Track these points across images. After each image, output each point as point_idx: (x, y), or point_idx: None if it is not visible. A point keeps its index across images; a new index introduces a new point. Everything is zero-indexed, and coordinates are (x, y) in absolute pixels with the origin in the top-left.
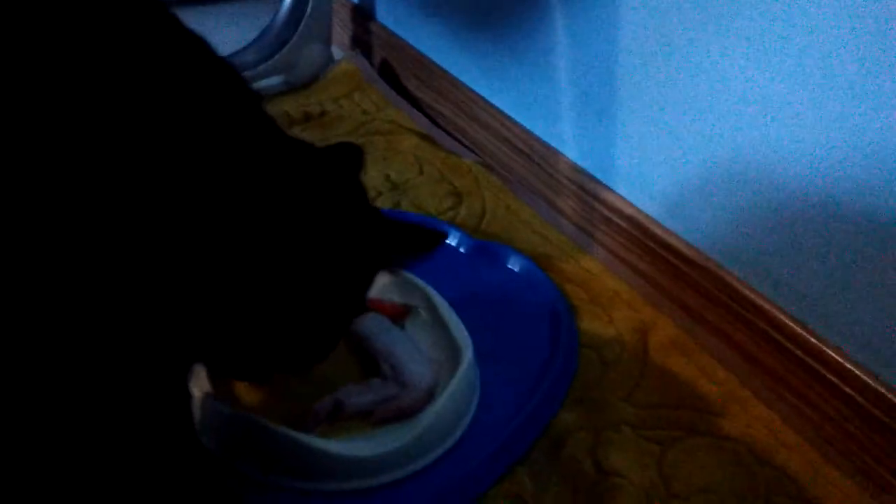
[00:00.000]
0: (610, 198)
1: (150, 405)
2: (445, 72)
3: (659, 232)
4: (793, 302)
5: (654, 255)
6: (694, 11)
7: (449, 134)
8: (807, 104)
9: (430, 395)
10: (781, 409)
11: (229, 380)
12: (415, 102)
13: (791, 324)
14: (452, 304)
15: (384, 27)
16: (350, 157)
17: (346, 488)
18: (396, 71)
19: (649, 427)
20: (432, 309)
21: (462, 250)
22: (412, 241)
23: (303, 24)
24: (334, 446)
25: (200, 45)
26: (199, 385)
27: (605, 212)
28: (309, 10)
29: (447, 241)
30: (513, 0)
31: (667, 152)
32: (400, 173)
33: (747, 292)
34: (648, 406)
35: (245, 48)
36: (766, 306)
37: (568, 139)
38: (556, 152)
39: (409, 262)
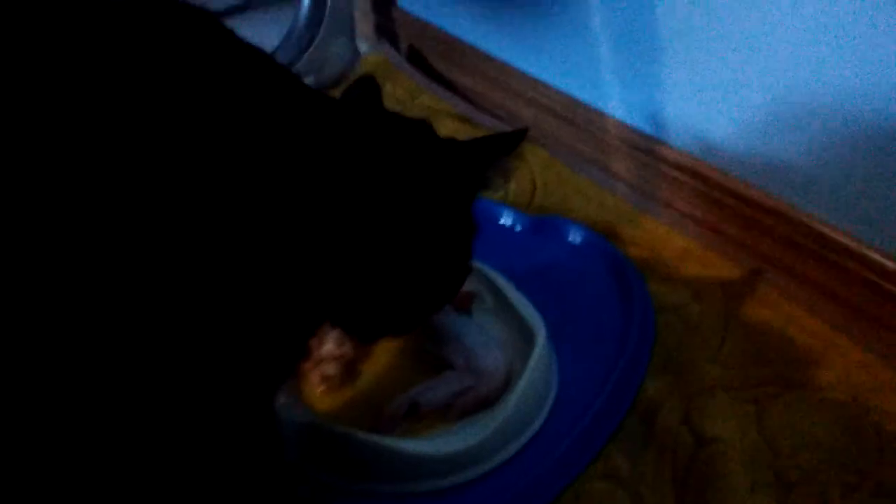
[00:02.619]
0: (665, 152)
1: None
2: (476, 49)
3: (724, 180)
4: (881, 236)
5: (722, 206)
6: None
7: (488, 113)
8: (877, 30)
9: (507, 381)
10: (880, 349)
11: (298, 389)
12: (449, 85)
13: (882, 259)
14: (515, 285)
15: (407, 13)
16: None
17: (436, 487)
18: (425, 55)
19: (742, 387)
20: (497, 292)
21: (518, 229)
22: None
23: (325, 21)
24: (415, 445)
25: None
26: None
27: (664, 168)
28: (329, 6)
29: (501, 222)
30: None
31: (724, 96)
32: None
33: (830, 232)
34: (737, 365)
35: (271, 54)
36: (853, 244)
37: (613, 99)
38: (602, 114)
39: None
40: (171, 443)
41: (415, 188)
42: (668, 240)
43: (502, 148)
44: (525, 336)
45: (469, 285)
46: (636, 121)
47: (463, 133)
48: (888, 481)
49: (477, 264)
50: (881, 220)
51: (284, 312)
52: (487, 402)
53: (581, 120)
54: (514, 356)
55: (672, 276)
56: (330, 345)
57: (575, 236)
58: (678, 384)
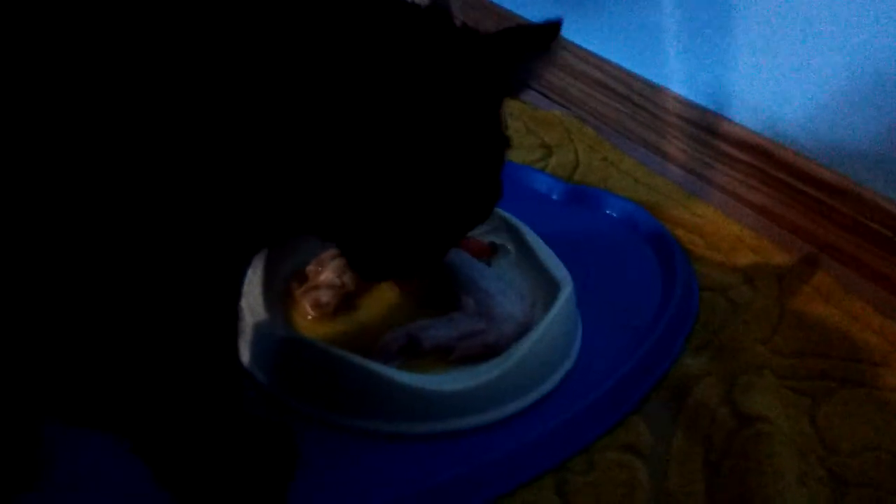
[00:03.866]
0: (730, 129)
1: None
2: (527, 21)
3: (793, 158)
4: None
5: (787, 187)
6: None
7: (536, 91)
8: None
9: (521, 333)
10: None
11: (288, 308)
12: None
13: None
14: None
15: None
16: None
17: (427, 431)
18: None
19: (794, 378)
20: (522, 243)
21: (554, 197)
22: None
23: None
24: (411, 378)
25: None
26: (252, 310)
27: (725, 147)
28: None
29: (538, 188)
30: None
31: (796, 68)
32: None
33: None
34: (790, 356)
35: None
36: None
37: (675, 72)
38: (661, 89)
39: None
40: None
41: (426, 85)
42: (720, 225)
43: (533, 42)
44: (550, 291)
45: (494, 236)
46: (698, 97)
47: (508, 105)
48: None
49: (504, 214)
50: None
51: (259, 196)
52: (495, 351)
53: (638, 95)
54: (536, 310)
55: (721, 262)
56: (329, 273)
57: (613, 208)
58: (720, 363)
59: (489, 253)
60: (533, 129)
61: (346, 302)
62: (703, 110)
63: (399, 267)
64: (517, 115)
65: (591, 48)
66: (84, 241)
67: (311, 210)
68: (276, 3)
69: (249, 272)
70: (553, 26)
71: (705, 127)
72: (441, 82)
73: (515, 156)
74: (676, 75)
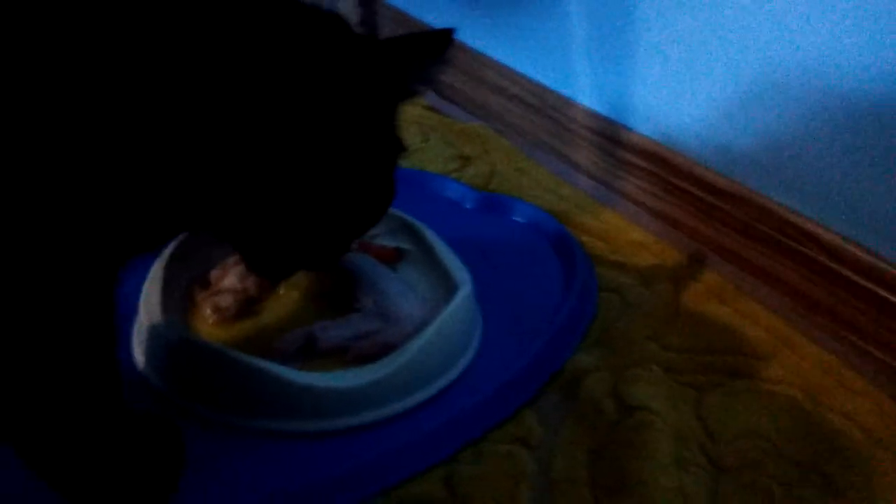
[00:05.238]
0: (632, 139)
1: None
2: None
3: (688, 166)
4: (852, 225)
5: (684, 193)
6: None
7: (456, 103)
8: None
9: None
10: (843, 350)
11: (189, 313)
12: None
13: (852, 249)
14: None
15: (389, 6)
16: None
17: (321, 428)
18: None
19: (684, 372)
20: (427, 250)
21: (467, 205)
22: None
23: None
24: (304, 377)
25: None
26: (149, 313)
27: (628, 156)
28: None
29: (450, 196)
30: None
31: (690, 81)
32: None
33: (797, 219)
34: (682, 350)
35: None
36: (821, 232)
37: (583, 85)
38: (570, 102)
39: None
40: None
41: (321, 88)
42: (624, 232)
43: (427, 49)
44: (451, 292)
45: (397, 241)
46: (604, 108)
47: (429, 119)
48: (837, 477)
49: (410, 218)
50: (844, 204)
51: (143, 192)
52: (391, 350)
53: (549, 108)
54: (437, 311)
55: (623, 265)
56: (231, 278)
57: (521, 214)
58: (612, 358)
59: (395, 258)
60: (451, 141)
61: (247, 307)
62: (608, 121)
63: (295, 265)
64: (436, 127)
65: (508, 63)
66: None
67: (202, 207)
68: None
69: (150, 276)
70: (446, 33)
71: (610, 137)
72: (336, 85)
73: (433, 167)
74: (584, 89)
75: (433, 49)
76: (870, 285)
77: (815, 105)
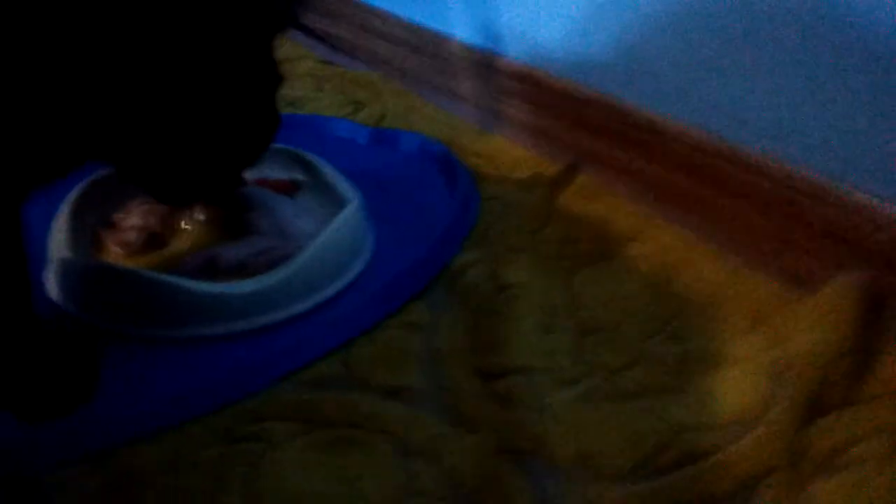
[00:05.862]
0: (502, 64)
1: None
2: None
3: (552, 81)
4: (694, 113)
5: (552, 108)
6: None
7: (347, 54)
8: None
9: None
10: (694, 226)
11: (95, 252)
12: (310, 32)
13: (695, 133)
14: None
15: None
16: None
17: (223, 332)
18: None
19: (555, 259)
20: (320, 179)
21: (359, 140)
22: None
23: None
24: (198, 285)
25: None
26: (58, 250)
27: (502, 80)
28: None
29: (341, 136)
30: None
31: (551, 3)
32: (295, 90)
33: (652, 116)
34: (557, 241)
35: None
36: (669, 124)
37: (456, 21)
38: (447, 39)
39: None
40: None
41: (200, 15)
42: (506, 150)
43: None
44: (342, 209)
45: (293, 175)
46: (476, 39)
47: (322, 70)
48: (683, 329)
49: (304, 155)
50: (699, 100)
51: (41, 117)
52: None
53: (429, 47)
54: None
55: (505, 179)
56: (135, 218)
57: (408, 143)
58: (491, 251)
59: (291, 188)
60: (344, 89)
61: (151, 242)
62: (481, 51)
63: (192, 191)
64: (329, 77)
65: (389, 9)
66: None
67: (97, 132)
68: None
69: (56, 218)
70: None
71: (485, 65)
72: (213, 12)
73: (328, 113)
74: (457, 24)
75: None
76: (716, 165)
77: (658, 13)
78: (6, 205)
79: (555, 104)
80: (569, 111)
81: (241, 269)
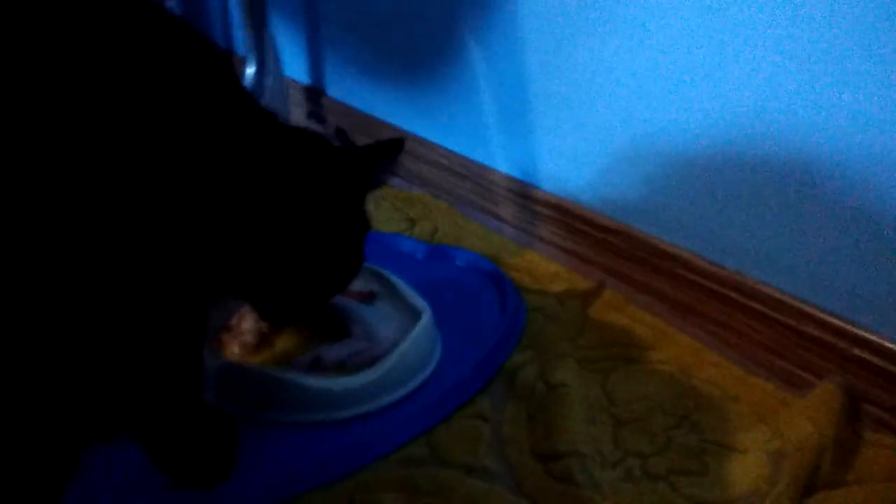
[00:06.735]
0: (539, 195)
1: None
2: (390, 124)
3: (581, 212)
4: (707, 247)
5: (581, 233)
6: (583, 15)
7: (400, 177)
8: (673, 86)
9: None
10: (704, 337)
11: (221, 346)
12: None
13: (706, 265)
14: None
15: (334, 99)
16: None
17: (332, 417)
18: (348, 133)
19: (592, 361)
20: (392, 289)
21: (418, 255)
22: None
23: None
24: (315, 381)
25: (189, 31)
26: None
27: (539, 208)
28: (265, 95)
29: (403, 251)
30: (432, 47)
31: (577, 145)
32: None
33: (668, 247)
34: (590, 347)
35: None
36: (686, 255)
37: (497, 156)
38: (490, 169)
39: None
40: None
41: (313, 188)
42: (542, 266)
43: (385, 153)
44: (415, 318)
45: (370, 286)
46: (515, 172)
47: (378, 190)
48: (701, 422)
49: (377, 269)
50: (704, 233)
51: (202, 269)
52: (378, 361)
53: (474, 175)
54: (406, 333)
55: (543, 291)
56: (249, 322)
57: (461, 259)
58: (538, 356)
59: (369, 298)
60: (399, 207)
61: (263, 342)
62: (520, 182)
63: (296, 314)
64: (386, 197)
65: (438, 142)
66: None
67: (236, 275)
68: (232, 126)
69: None
70: (398, 142)
71: (522, 194)
72: (323, 183)
73: (387, 228)
74: (500, 158)
75: (390, 152)
76: (720, 289)
77: (676, 159)
78: (195, 315)
79: (583, 231)
80: (596, 237)
81: (341, 367)
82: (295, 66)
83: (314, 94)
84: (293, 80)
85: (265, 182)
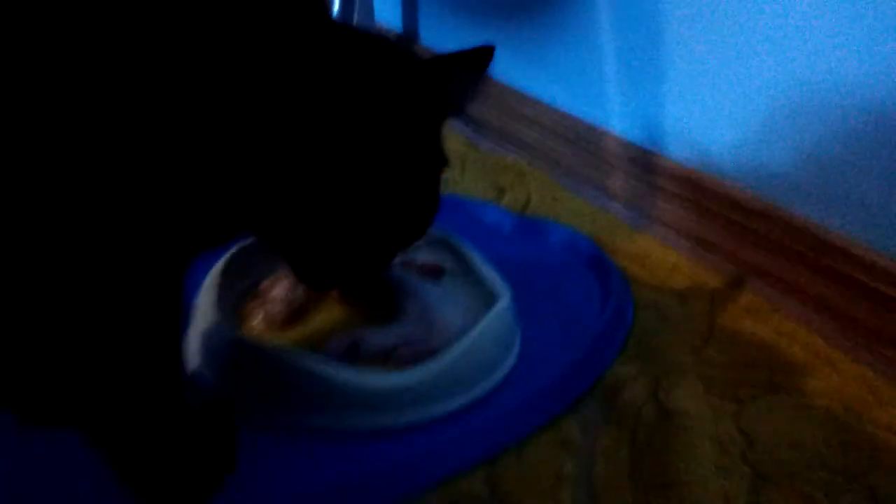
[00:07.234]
0: (664, 164)
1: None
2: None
3: (717, 187)
4: (887, 240)
5: (717, 216)
6: None
7: (493, 138)
8: (871, 30)
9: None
10: (881, 367)
11: (240, 321)
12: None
13: (885, 263)
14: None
15: (428, 48)
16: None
17: (368, 426)
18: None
19: (721, 384)
20: (467, 265)
21: (504, 229)
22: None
23: None
24: (343, 373)
25: None
26: (205, 316)
27: (660, 181)
28: None
29: (486, 221)
30: None
31: (721, 105)
32: None
33: (830, 237)
34: (721, 365)
35: None
36: (855, 249)
37: (614, 115)
38: (602, 131)
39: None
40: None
41: (373, 102)
42: (658, 254)
43: (470, 64)
44: (490, 305)
45: (439, 258)
46: (635, 136)
47: (466, 151)
48: (881, 488)
49: (453, 239)
50: (885, 222)
51: (207, 189)
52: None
53: (582, 138)
54: (476, 322)
55: (659, 286)
56: (280, 289)
57: (557, 236)
58: (650, 368)
59: (436, 273)
60: (490, 172)
61: (295, 315)
62: (641, 149)
63: (342, 275)
64: (473, 160)
65: (540, 96)
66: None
67: (258, 209)
68: (257, 28)
69: (203, 285)
70: (487, 50)
71: (641, 163)
72: (386, 100)
73: (470, 196)
74: (615, 118)
75: (475, 65)
76: None
77: (847, 122)
78: (174, 271)
79: (718, 212)
80: (734, 220)
81: (384, 358)
82: (386, 11)
83: (406, 42)
84: (385, 28)
85: (306, 88)
